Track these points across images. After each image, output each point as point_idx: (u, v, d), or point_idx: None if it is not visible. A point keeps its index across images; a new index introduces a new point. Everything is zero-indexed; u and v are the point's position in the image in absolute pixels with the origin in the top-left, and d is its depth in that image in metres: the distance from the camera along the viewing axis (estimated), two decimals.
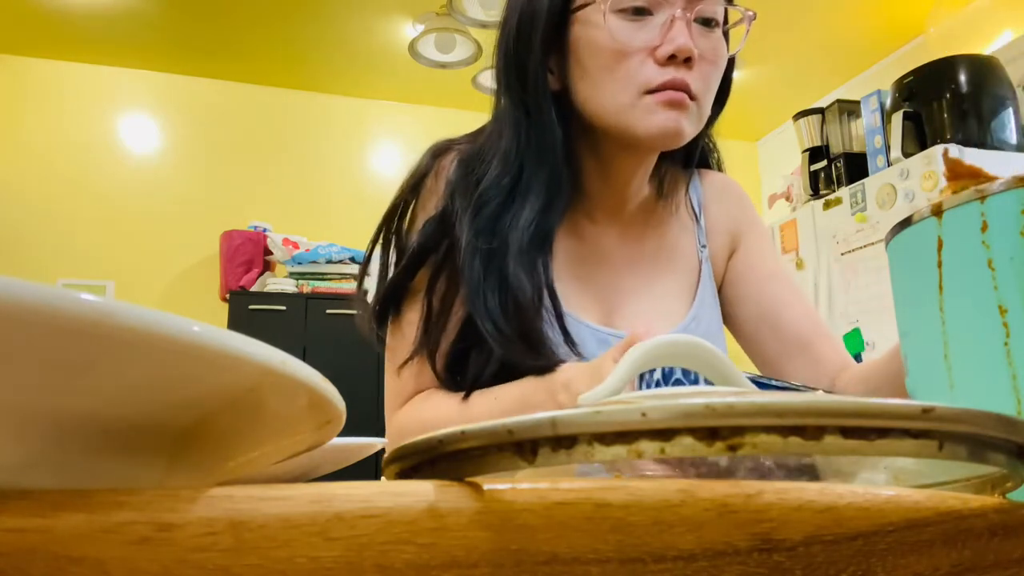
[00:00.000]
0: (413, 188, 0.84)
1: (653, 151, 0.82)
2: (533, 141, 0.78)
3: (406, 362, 0.78)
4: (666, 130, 0.74)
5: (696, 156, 0.90)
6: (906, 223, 0.39)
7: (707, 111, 0.78)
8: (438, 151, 0.85)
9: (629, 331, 0.77)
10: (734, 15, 0.81)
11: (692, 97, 0.74)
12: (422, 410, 0.78)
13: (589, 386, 0.66)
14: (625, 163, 0.82)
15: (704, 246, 0.90)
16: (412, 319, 0.79)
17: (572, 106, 0.79)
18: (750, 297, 0.88)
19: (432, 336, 0.77)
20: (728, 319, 0.91)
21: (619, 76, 0.74)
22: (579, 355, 0.75)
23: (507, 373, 0.73)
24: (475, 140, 0.85)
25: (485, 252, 0.75)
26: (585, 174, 0.83)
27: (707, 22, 0.75)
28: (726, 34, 0.79)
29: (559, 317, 0.76)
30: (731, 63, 0.82)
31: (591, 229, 0.85)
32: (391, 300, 0.80)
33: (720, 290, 0.91)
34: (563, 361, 0.72)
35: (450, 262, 0.78)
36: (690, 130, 0.75)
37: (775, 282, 0.88)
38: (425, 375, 0.79)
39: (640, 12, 0.74)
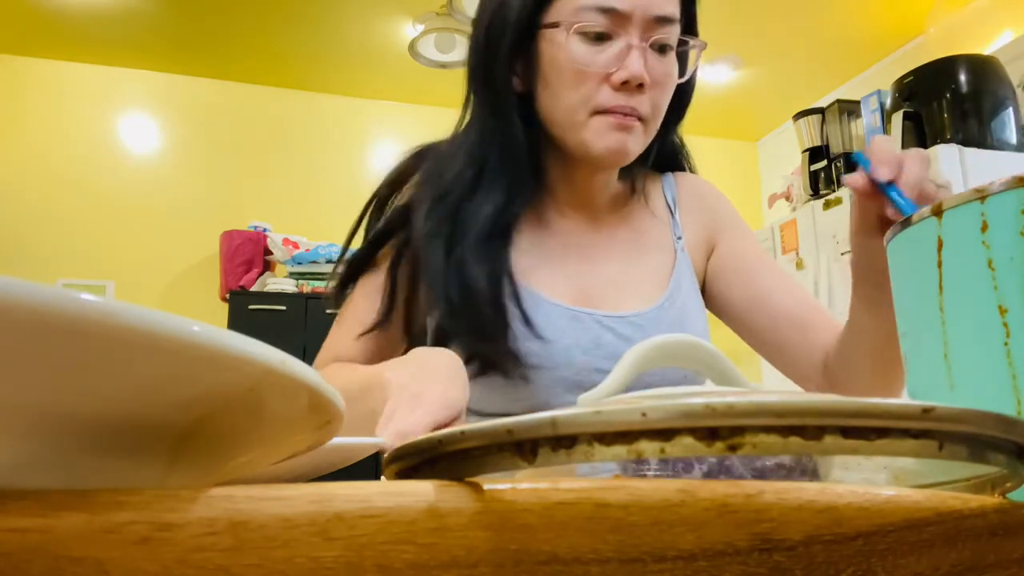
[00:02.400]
0: (389, 184, 0.93)
1: (603, 166, 0.87)
2: (497, 139, 0.84)
3: (363, 334, 0.86)
4: (613, 150, 0.81)
5: (652, 156, 0.94)
6: (906, 223, 0.39)
7: (655, 127, 0.84)
8: (421, 152, 0.93)
9: (604, 309, 0.84)
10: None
11: (640, 119, 0.81)
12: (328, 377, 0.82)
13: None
14: (585, 167, 0.87)
15: (680, 238, 0.94)
16: (364, 291, 0.89)
17: (536, 110, 0.85)
18: (738, 284, 0.91)
19: (388, 312, 0.85)
20: (719, 310, 0.94)
21: (576, 95, 0.80)
22: (539, 336, 0.80)
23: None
24: (454, 141, 0.90)
25: (445, 238, 0.81)
26: (550, 172, 0.89)
27: (662, 48, 0.81)
28: (683, 55, 0.86)
29: (516, 299, 0.81)
30: (695, 74, 0.89)
31: (560, 222, 0.90)
32: (353, 272, 0.91)
33: (704, 287, 0.95)
34: (514, 350, 0.78)
35: (411, 247, 0.84)
36: (636, 149, 0.82)
37: (761, 268, 0.91)
38: (346, 347, 0.86)
39: (601, 37, 0.79)
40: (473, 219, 0.82)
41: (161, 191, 4.11)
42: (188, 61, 4.08)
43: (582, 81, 0.79)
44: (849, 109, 3.12)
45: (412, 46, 3.12)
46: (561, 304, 0.83)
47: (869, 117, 2.99)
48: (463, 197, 0.83)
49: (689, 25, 0.86)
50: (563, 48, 0.80)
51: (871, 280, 0.72)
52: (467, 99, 0.89)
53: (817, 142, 3.23)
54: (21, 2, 3.52)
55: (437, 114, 4.42)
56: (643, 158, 0.89)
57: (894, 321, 0.72)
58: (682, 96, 0.89)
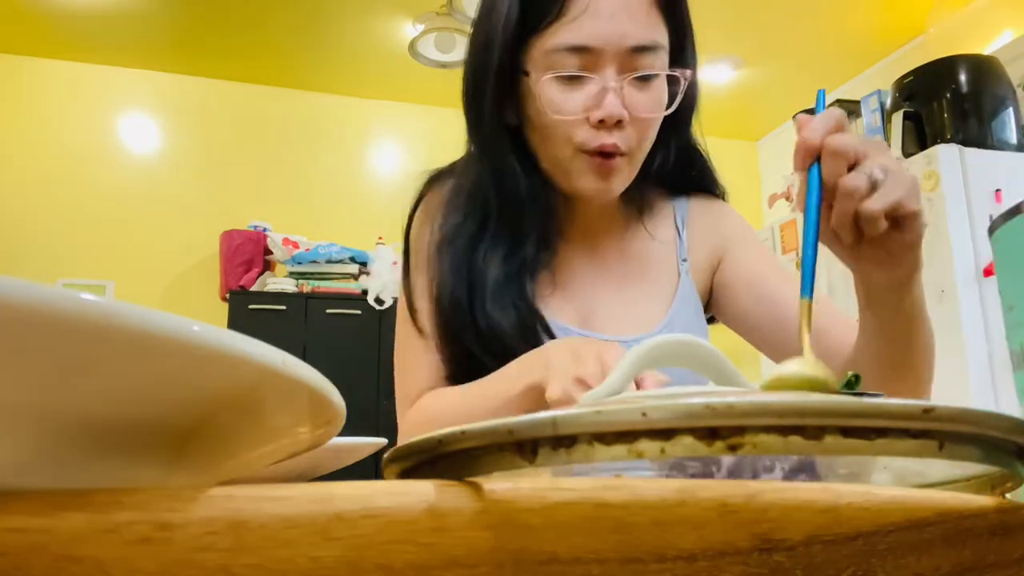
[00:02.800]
0: (411, 215, 0.92)
1: (593, 203, 0.87)
2: (495, 178, 0.84)
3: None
4: (595, 191, 0.81)
5: (653, 171, 0.89)
6: (1011, 214, 0.39)
7: (641, 157, 0.83)
8: (433, 179, 0.92)
9: (606, 334, 0.84)
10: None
11: (623, 154, 0.80)
12: (431, 407, 0.83)
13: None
14: (582, 199, 0.87)
15: (685, 260, 0.92)
16: (414, 331, 0.87)
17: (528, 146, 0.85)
18: (748, 297, 0.89)
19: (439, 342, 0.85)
20: (731, 322, 0.92)
21: (558, 134, 0.80)
22: None
23: None
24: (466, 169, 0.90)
25: (466, 284, 0.82)
26: (550, 199, 0.87)
27: (643, 79, 0.79)
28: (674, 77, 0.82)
29: (548, 332, 0.81)
30: (691, 84, 0.84)
31: (564, 248, 0.89)
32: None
33: (713, 302, 0.93)
34: None
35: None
36: (619, 185, 0.82)
37: (771, 278, 0.89)
38: (430, 372, 0.85)
39: (576, 79, 0.78)
40: (486, 267, 0.82)
41: (161, 191, 4.11)
42: (188, 61, 4.08)
43: (561, 123, 0.79)
44: (849, 109, 3.12)
45: (412, 46, 3.12)
46: (568, 327, 0.84)
47: (869, 117, 2.99)
48: (474, 244, 0.83)
49: (679, 46, 0.83)
50: (539, 95, 0.79)
51: (862, 289, 0.67)
52: (467, 138, 0.89)
53: None
54: (21, 1, 3.51)
55: (437, 114, 4.45)
56: (643, 174, 0.86)
57: (901, 329, 0.70)
58: (682, 112, 0.85)
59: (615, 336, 0.84)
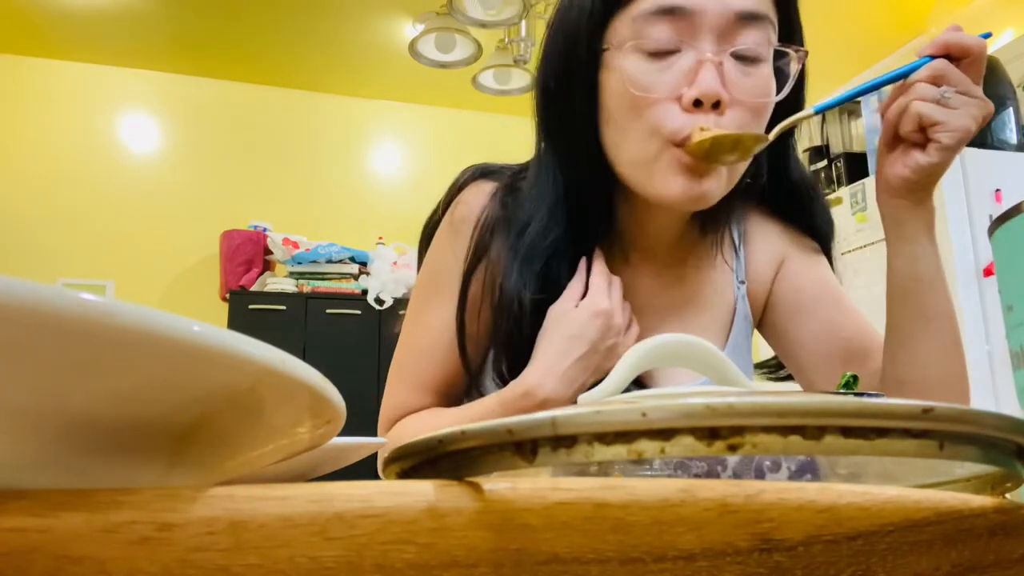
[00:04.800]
0: (446, 204, 0.82)
1: (678, 212, 0.75)
2: (574, 193, 0.74)
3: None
4: (685, 196, 0.66)
5: (738, 193, 0.76)
6: (1007, 216, 0.39)
7: (744, 163, 0.70)
8: (479, 173, 0.81)
9: (664, 381, 0.75)
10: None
11: None
12: (425, 421, 0.77)
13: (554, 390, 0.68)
14: (661, 214, 0.77)
15: (743, 282, 0.84)
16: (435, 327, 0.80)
17: (603, 151, 0.74)
18: (796, 322, 0.82)
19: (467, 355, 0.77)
20: (772, 339, 0.86)
21: (643, 124, 0.66)
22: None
23: None
24: (517, 176, 0.80)
25: (539, 301, 0.73)
26: (619, 218, 0.78)
27: (748, 59, 0.66)
28: (781, 70, 0.70)
29: None
30: (803, 85, 0.73)
31: (626, 271, 0.79)
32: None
33: (764, 317, 0.86)
34: None
35: (485, 293, 0.76)
36: (716, 191, 0.68)
37: (823, 299, 0.82)
38: (426, 394, 0.79)
39: (666, 54, 0.66)
40: (559, 277, 0.73)
41: (161, 191, 4.11)
42: (188, 61, 4.08)
43: (648, 106, 0.66)
44: (850, 109, 3.12)
45: (412, 46, 3.12)
46: None
47: (870, 117, 2.99)
48: (550, 258, 0.73)
49: (788, 29, 0.70)
50: (621, 72, 0.66)
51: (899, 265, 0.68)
52: (537, 143, 0.79)
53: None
54: (21, 1, 3.51)
55: (437, 114, 4.45)
56: (730, 194, 0.73)
57: (940, 314, 0.68)
58: (784, 111, 0.69)
59: (671, 378, 0.76)
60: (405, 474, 0.27)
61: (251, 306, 3.73)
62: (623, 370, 0.38)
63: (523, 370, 0.71)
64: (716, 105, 0.64)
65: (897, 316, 0.71)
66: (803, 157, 3.29)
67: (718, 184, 0.67)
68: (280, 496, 0.19)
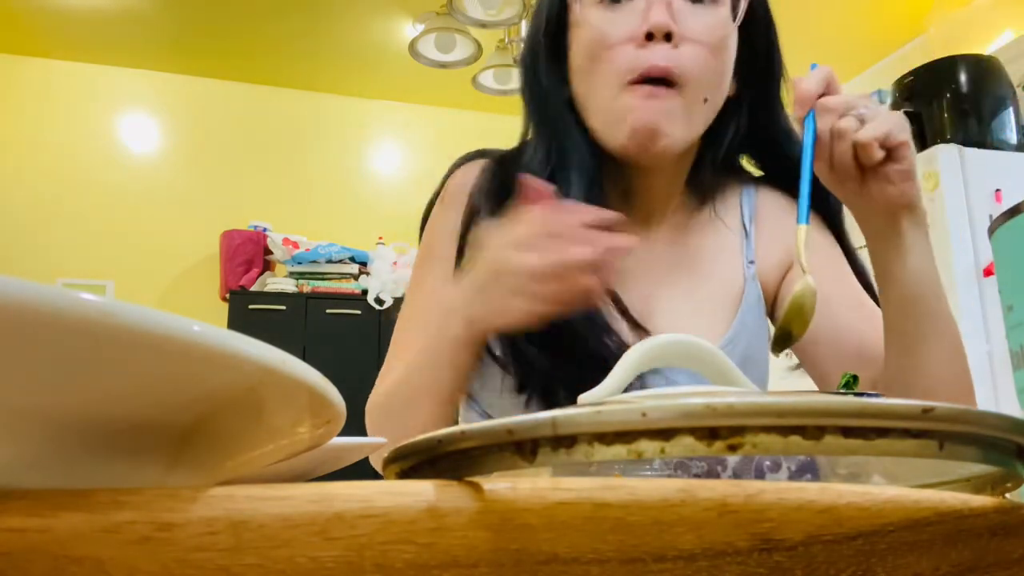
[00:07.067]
0: (442, 185, 0.84)
1: (639, 161, 0.74)
2: (556, 152, 0.75)
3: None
4: (642, 131, 0.68)
5: (723, 149, 0.78)
6: (1010, 214, 0.39)
7: (700, 104, 0.71)
8: (468, 157, 0.84)
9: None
10: None
11: (676, 83, 0.68)
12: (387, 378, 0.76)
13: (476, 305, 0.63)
14: (638, 174, 0.77)
15: (752, 262, 0.81)
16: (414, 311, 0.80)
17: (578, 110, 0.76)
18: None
19: None
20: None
21: (603, 69, 0.70)
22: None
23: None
24: (508, 153, 0.82)
25: None
26: (607, 186, 0.77)
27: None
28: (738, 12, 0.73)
29: (625, 314, 0.72)
30: (771, 34, 0.78)
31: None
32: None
33: (773, 308, 0.83)
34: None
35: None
36: (672, 128, 0.69)
37: (836, 296, 0.78)
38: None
39: (622, 1, 0.70)
40: None
41: (161, 191, 4.11)
42: (188, 61, 4.08)
43: (606, 51, 0.69)
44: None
45: (412, 46, 3.12)
46: (624, 330, 0.74)
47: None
48: None
49: None
50: (584, 23, 0.71)
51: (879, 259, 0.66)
52: (524, 118, 0.81)
53: None
54: (21, 1, 3.51)
55: (437, 114, 4.45)
56: (714, 154, 0.76)
57: (912, 307, 0.66)
58: (767, 70, 0.76)
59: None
60: (405, 474, 0.27)
61: (251, 306, 3.73)
62: (623, 370, 0.38)
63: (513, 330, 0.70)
64: (669, 38, 0.68)
65: (902, 323, 0.69)
66: None
67: (673, 121, 0.69)
68: (280, 496, 0.19)
